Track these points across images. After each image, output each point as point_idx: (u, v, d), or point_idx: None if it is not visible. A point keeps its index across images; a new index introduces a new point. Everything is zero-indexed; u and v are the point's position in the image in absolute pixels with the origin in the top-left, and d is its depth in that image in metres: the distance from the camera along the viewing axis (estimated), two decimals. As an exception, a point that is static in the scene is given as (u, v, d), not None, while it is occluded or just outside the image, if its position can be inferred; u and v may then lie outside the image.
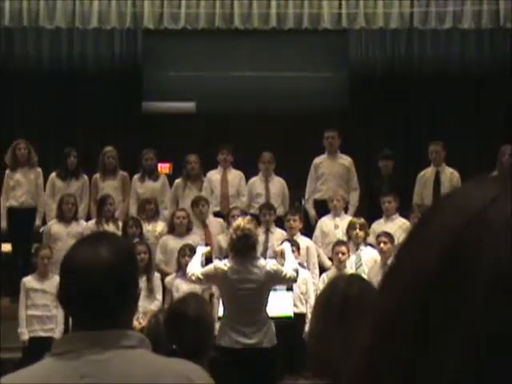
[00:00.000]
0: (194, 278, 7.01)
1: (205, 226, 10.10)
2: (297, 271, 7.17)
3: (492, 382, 0.55)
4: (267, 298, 6.90)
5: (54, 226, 10.04)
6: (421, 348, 0.58)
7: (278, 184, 10.85)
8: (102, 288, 2.20)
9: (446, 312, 0.58)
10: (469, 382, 0.56)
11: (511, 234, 0.57)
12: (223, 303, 7.02)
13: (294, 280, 7.23)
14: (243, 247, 6.81)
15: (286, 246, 7.77)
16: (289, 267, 7.10)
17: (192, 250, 9.01)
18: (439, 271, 0.59)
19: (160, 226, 10.10)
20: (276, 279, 6.97)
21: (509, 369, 0.55)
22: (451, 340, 0.57)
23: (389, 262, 8.78)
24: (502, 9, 12.35)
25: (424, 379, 0.58)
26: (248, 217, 7.88)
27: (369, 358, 0.61)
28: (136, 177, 10.93)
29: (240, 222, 7.09)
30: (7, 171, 10.71)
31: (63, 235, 9.83)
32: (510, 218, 0.58)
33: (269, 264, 7.00)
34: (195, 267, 7.12)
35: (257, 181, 10.86)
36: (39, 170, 10.78)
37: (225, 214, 10.21)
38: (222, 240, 9.65)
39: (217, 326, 6.39)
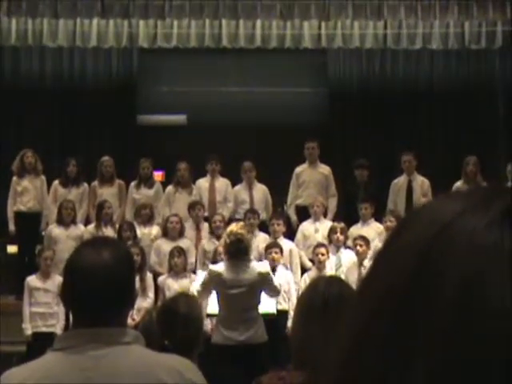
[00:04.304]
0: (196, 294, 6.75)
1: (198, 229, 10.10)
2: (279, 292, 7.36)
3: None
4: (259, 298, 6.84)
5: (55, 230, 9.99)
6: (393, 353, 0.57)
7: (261, 191, 10.84)
8: (102, 288, 2.20)
9: (417, 319, 0.56)
10: None
11: (472, 248, 0.56)
12: (218, 303, 6.90)
13: (278, 292, 7.34)
14: (236, 251, 6.74)
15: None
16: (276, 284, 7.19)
17: (181, 252, 8.99)
18: (411, 282, 0.58)
19: (155, 230, 10.08)
20: (265, 281, 6.85)
21: (479, 371, 0.54)
22: (423, 346, 0.56)
23: (364, 262, 8.81)
24: (467, 32, 12.43)
25: (397, 381, 0.57)
26: (241, 223, 7.84)
27: (347, 362, 0.60)
28: (133, 184, 10.90)
29: (233, 227, 7.04)
30: (14, 178, 10.66)
31: (63, 238, 9.79)
32: (472, 232, 0.56)
33: (260, 267, 6.97)
34: (195, 285, 7.05)
35: (241, 188, 10.85)
36: (43, 177, 10.74)
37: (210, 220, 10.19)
38: (206, 244, 9.63)
39: (205, 322, 6.35)
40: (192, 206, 10.17)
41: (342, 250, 9.31)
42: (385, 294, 0.59)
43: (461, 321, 0.55)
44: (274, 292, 7.15)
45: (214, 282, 6.77)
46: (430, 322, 0.56)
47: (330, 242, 9.35)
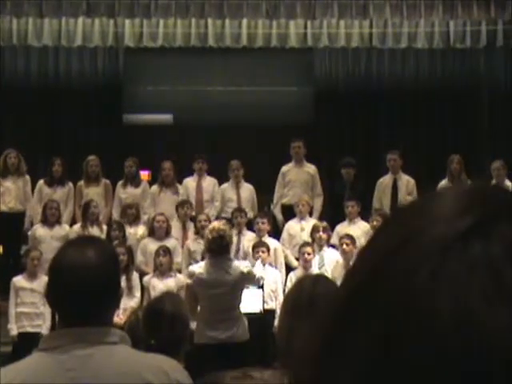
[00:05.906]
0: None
1: (185, 228, 10.09)
2: (258, 282, 7.40)
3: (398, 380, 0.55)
4: (240, 297, 6.82)
5: (39, 230, 9.96)
6: (338, 344, 0.58)
7: (248, 190, 10.84)
8: (87, 288, 2.19)
9: (369, 313, 0.56)
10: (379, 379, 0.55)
11: (444, 252, 0.55)
12: (199, 302, 6.90)
13: (258, 283, 7.39)
14: (217, 248, 6.70)
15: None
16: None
17: (166, 251, 8.97)
18: (376, 277, 0.58)
19: (141, 230, 10.06)
20: (248, 280, 6.94)
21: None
22: (362, 339, 0.56)
23: (351, 262, 8.82)
24: (452, 31, 12.49)
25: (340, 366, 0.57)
26: (224, 220, 7.83)
27: (313, 361, 0.60)
28: (119, 183, 10.88)
29: (215, 223, 7.04)
30: (-2, 178, 10.61)
31: (47, 238, 9.76)
32: (442, 242, 0.56)
33: (242, 266, 6.96)
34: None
35: (228, 187, 10.84)
36: (27, 177, 10.71)
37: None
38: (191, 244, 9.61)
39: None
40: (181, 205, 10.17)
41: (325, 248, 9.32)
42: (346, 295, 0.60)
43: (406, 331, 0.54)
44: (255, 283, 7.28)
45: (195, 284, 6.72)
46: (374, 327, 0.55)
47: (313, 240, 9.36)
